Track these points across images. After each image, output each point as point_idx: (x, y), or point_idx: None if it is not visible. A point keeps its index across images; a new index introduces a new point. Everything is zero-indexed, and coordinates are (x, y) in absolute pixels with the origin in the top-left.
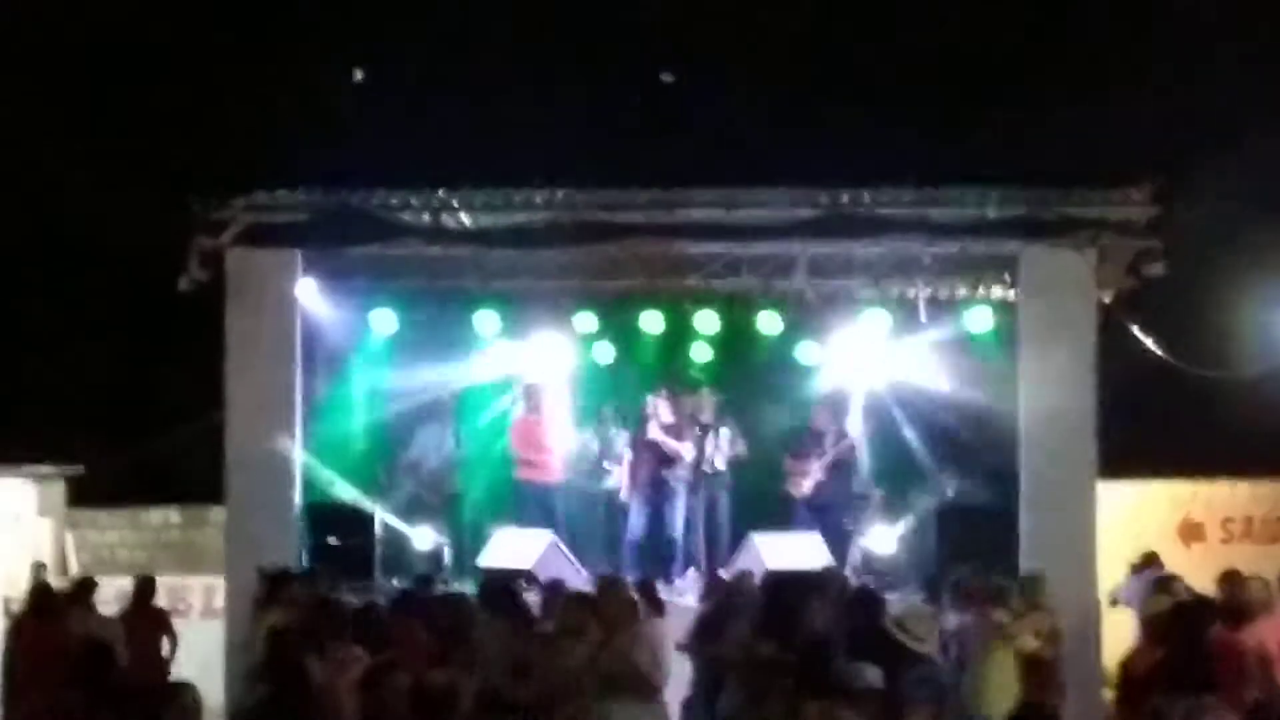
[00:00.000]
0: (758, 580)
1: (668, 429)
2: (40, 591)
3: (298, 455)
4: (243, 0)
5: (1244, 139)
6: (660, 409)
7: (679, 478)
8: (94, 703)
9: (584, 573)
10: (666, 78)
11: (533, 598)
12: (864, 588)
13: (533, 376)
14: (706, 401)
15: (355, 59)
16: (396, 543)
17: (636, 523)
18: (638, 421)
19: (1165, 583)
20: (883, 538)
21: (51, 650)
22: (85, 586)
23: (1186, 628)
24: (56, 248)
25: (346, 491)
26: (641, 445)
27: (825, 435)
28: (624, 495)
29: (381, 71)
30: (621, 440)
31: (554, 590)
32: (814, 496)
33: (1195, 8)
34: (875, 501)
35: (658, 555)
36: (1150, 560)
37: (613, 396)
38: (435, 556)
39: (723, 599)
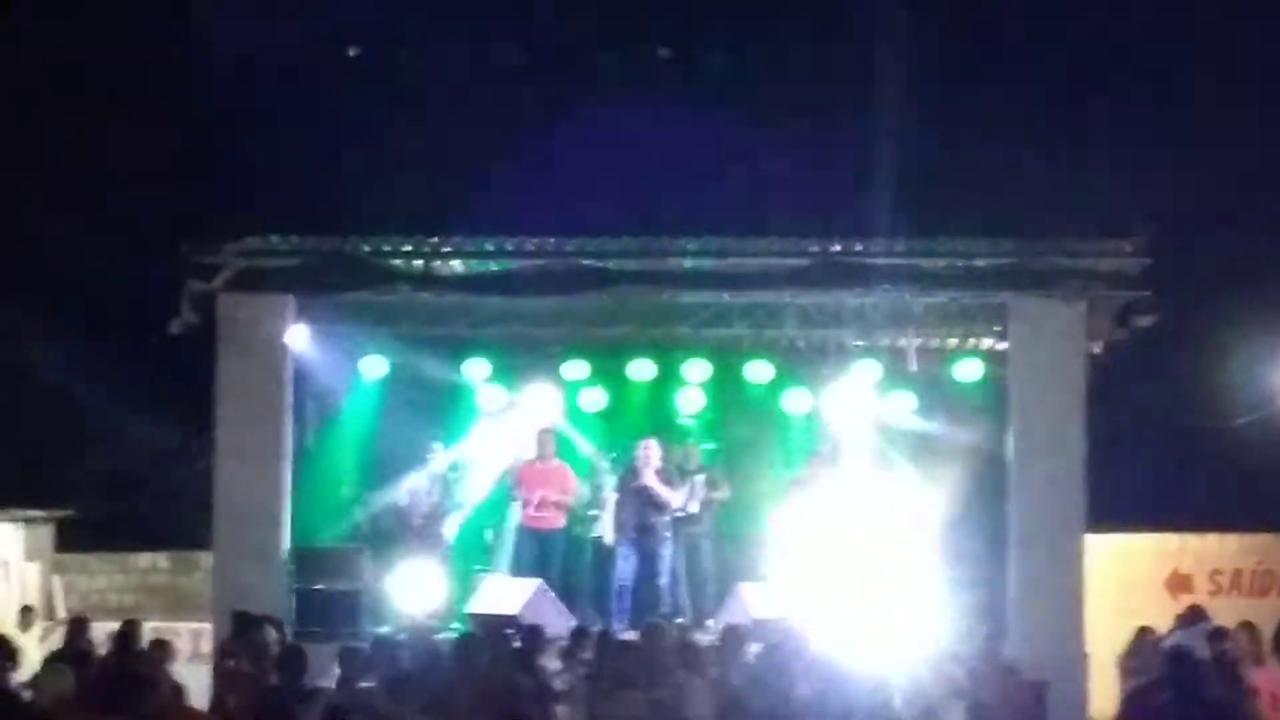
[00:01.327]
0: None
1: (659, 475)
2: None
3: (286, 500)
4: (237, 46)
5: (1233, 191)
6: (652, 455)
7: (667, 524)
8: None
9: (571, 619)
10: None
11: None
12: None
13: (542, 422)
14: (690, 451)
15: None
16: (383, 589)
17: (624, 569)
18: (627, 468)
19: (1220, 634)
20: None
21: None
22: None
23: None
24: (48, 290)
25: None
26: (630, 491)
27: (819, 482)
28: (610, 542)
29: (374, 116)
30: (610, 487)
31: (534, 636)
32: None
33: (1188, 62)
34: None
35: (645, 602)
36: (1197, 613)
37: (602, 444)
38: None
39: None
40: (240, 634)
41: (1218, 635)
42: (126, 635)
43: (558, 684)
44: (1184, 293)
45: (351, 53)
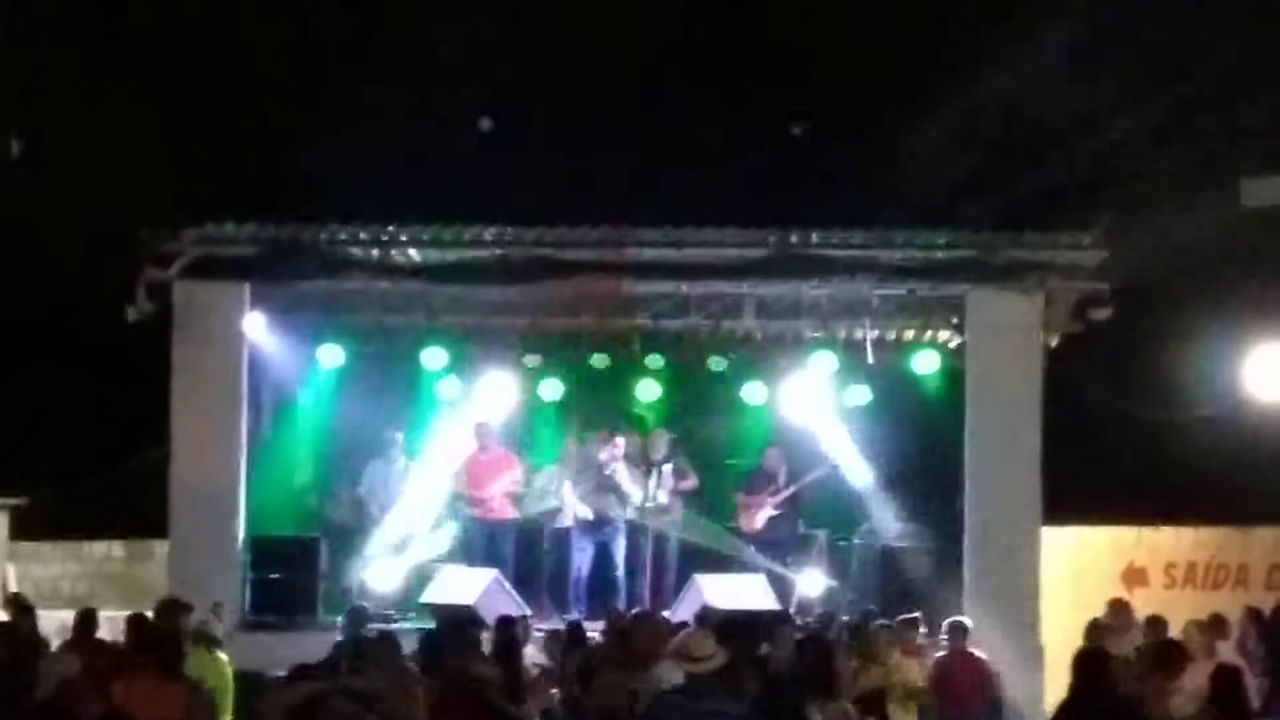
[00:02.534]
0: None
1: (618, 466)
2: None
3: (241, 489)
4: (194, 30)
5: (1189, 184)
6: (612, 446)
7: (620, 515)
8: None
9: (526, 611)
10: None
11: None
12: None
13: (482, 414)
14: (657, 439)
15: (302, 90)
16: (341, 578)
17: (581, 560)
18: (585, 458)
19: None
20: (823, 580)
21: None
22: None
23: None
24: (3, 275)
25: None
26: (589, 482)
27: (777, 474)
28: (568, 531)
29: (332, 105)
30: (566, 478)
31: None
32: (764, 533)
33: (1151, 55)
34: (820, 543)
35: (602, 593)
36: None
37: (559, 434)
38: (382, 595)
39: None
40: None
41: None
42: (86, 622)
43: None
44: (1140, 285)
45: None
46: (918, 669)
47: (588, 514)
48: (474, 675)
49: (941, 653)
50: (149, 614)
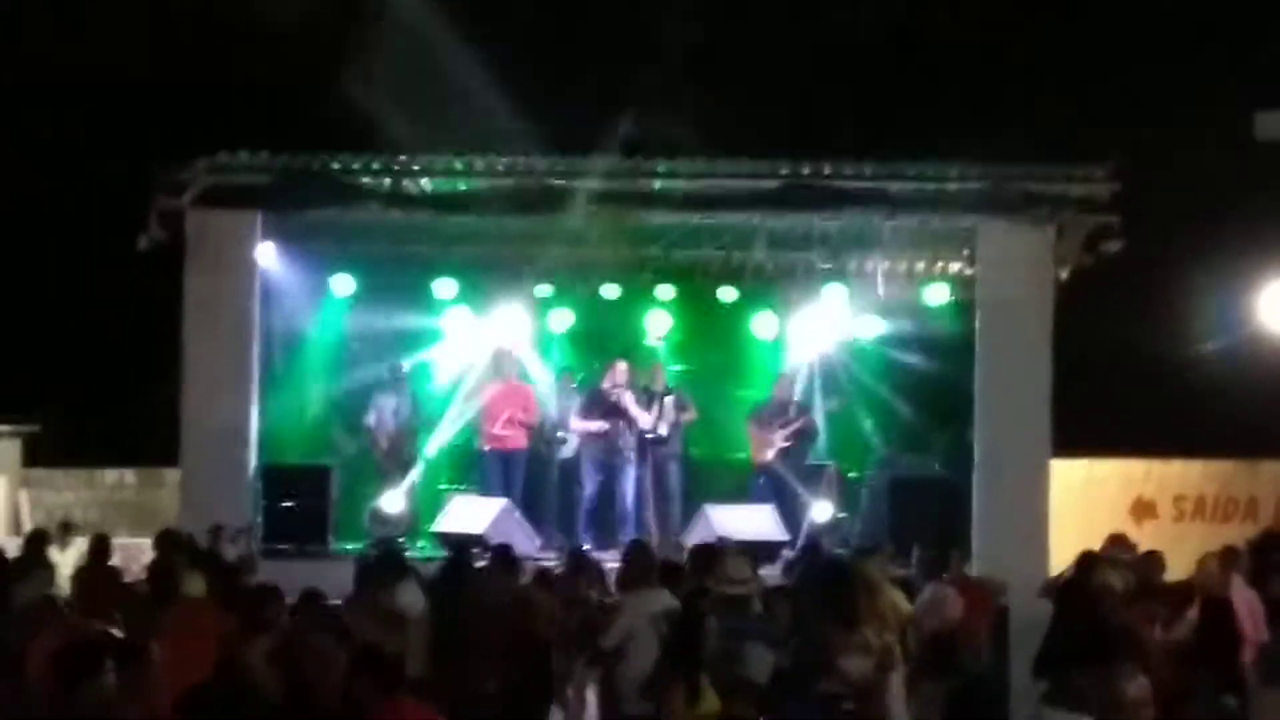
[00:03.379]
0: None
1: (625, 395)
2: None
3: (253, 417)
4: None
5: (1204, 118)
6: (619, 376)
7: (628, 445)
8: None
9: (537, 539)
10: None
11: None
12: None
13: (493, 344)
14: (656, 371)
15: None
16: (351, 506)
17: (590, 490)
18: (595, 388)
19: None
20: (834, 510)
21: None
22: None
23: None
24: (16, 205)
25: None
26: (597, 413)
27: (788, 405)
28: (576, 461)
29: (346, 35)
30: (577, 408)
31: (503, 555)
32: (774, 464)
33: None
34: (830, 474)
35: (610, 523)
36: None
37: (570, 364)
38: (402, 521)
39: None
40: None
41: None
42: (101, 548)
43: None
44: (1152, 219)
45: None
46: (901, 598)
47: (595, 444)
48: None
49: (934, 583)
50: None
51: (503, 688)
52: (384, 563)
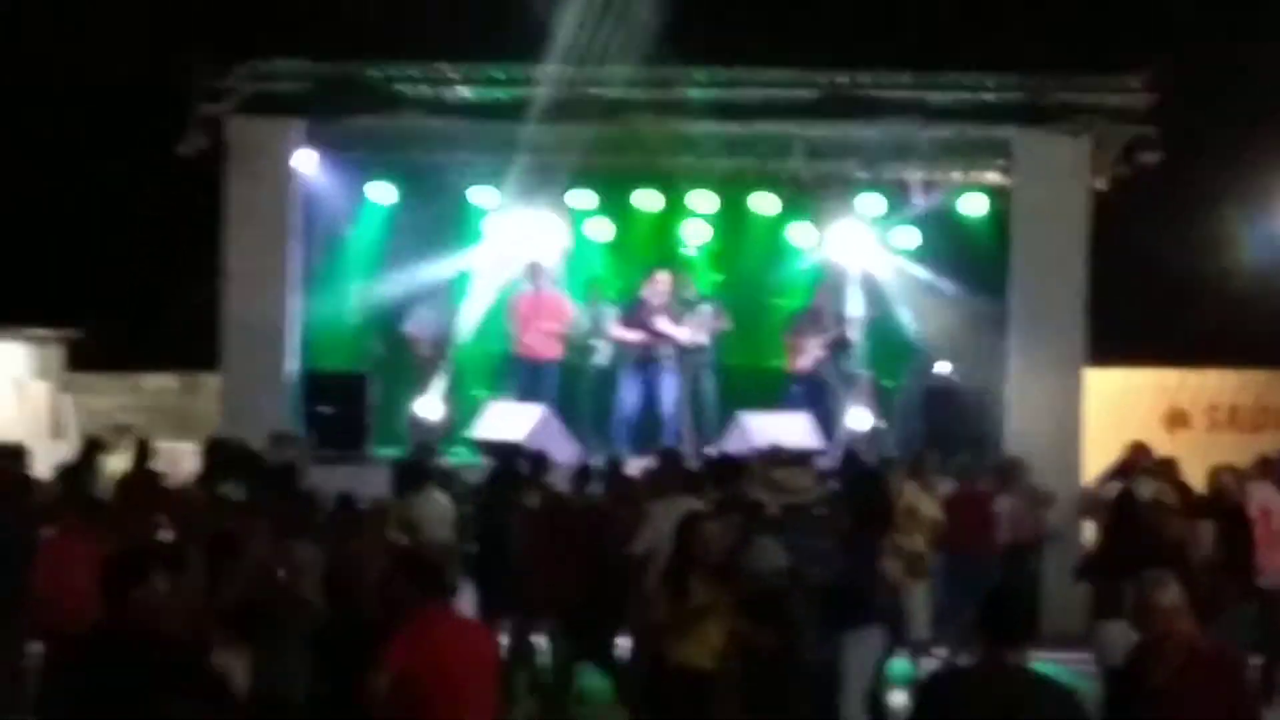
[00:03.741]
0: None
1: (663, 306)
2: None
3: (293, 324)
4: None
5: (1241, 30)
6: (658, 286)
7: (665, 354)
8: None
9: (576, 446)
10: None
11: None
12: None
13: (530, 253)
14: (686, 280)
15: None
16: (389, 412)
17: (627, 399)
18: (632, 298)
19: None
20: (869, 419)
21: None
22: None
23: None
24: (58, 112)
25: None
26: (635, 322)
27: (824, 315)
28: (613, 370)
29: None
30: (614, 317)
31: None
32: (812, 373)
33: None
34: (866, 383)
35: (647, 431)
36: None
37: (607, 274)
38: (439, 427)
39: None
40: None
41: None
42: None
43: None
44: (1189, 129)
45: None
46: (929, 501)
47: (626, 357)
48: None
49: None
50: None
51: (587, 599)
52: (402, 472)
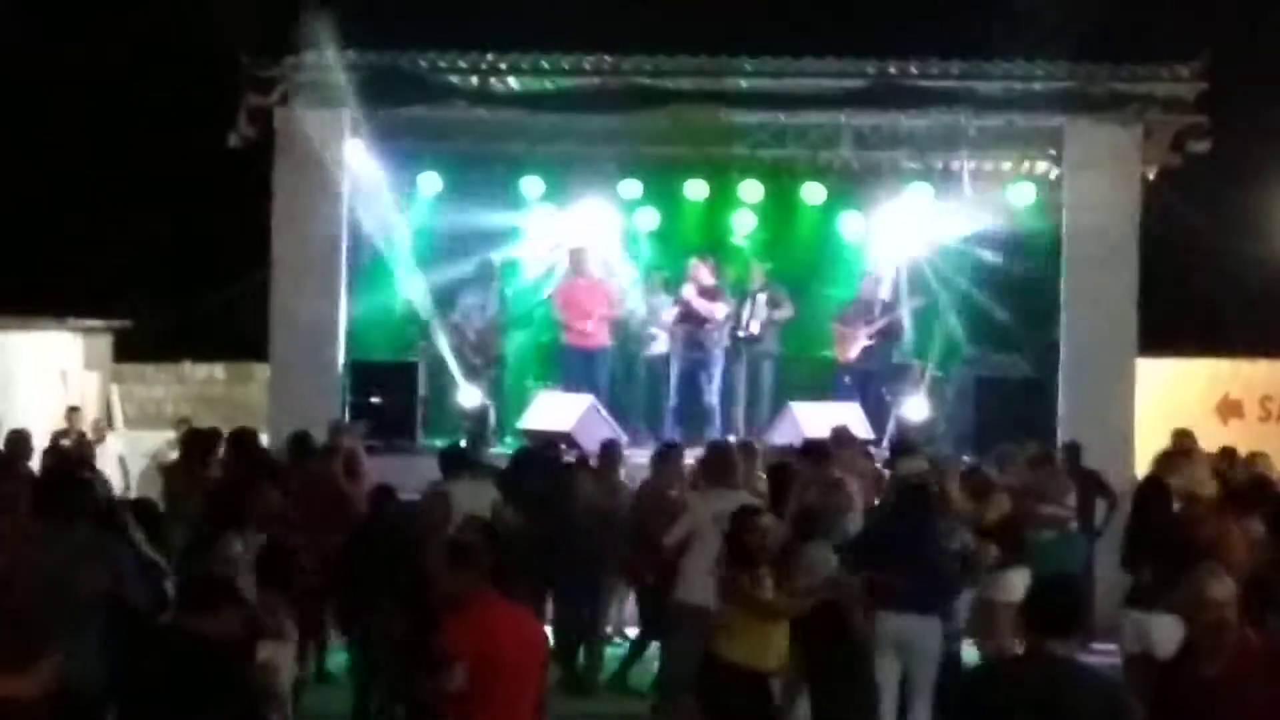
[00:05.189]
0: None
1: (704, 292)
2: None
3: (341, 314)
4: None
5: None
6: (699, 272)
7: (715, 342)
8: None
9: (623, 436)
10: None
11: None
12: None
13: (578, 241)
14: (753, 269)
15: None
16: (438, 402)
17: (675, 386)
18: (679, 286)
19: None
20: (920, 408)
21: None
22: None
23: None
24: (108, 102)
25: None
26: (679, 309)
27: (873, 304)
28: (663, 358)
29: None
30: (663, 305)
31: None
32: (859, 363)
33: None
34: (916, 373)
35: (696, 419)
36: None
37: (656, 263)
38: (481, 416)
39: None
40: None
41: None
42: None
43: None
44: (1240, 118)
45: None
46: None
47: (681, 341)
48: None
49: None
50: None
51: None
52: (444, 461)
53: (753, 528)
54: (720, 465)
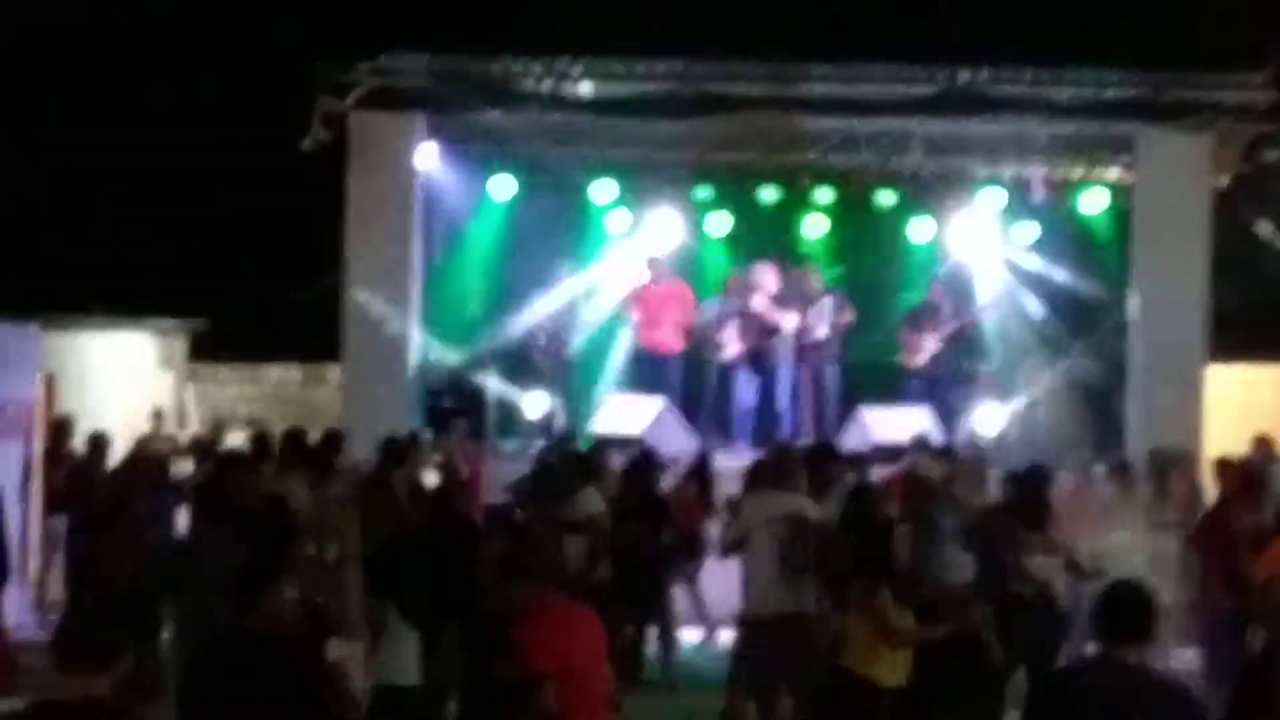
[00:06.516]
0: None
1: (772, 298)
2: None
3: (414, 317)
4: None
5: None
6: (765, 278)
7: (786, 347)
8: None
9: (696, 439)
10: None
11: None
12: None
13: (653, 247)
14: (812, 273)
15: None
16: (510, 406)
17: (745, 392)
18: (743, 291)
19: None
20: (991, 415)
21: None
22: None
23: None
24: (185, 103)
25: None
26: (747, 315)
27: (941, 309)
28: (733, 364)
29: None
30: (728, 311)
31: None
32: (928, 369)
33: None
34: (985, 379)
35: (766, 425)
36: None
37: (727, 268)
38: (548, 421)
39: None
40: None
41: None
42: (262, 441)
43: None
44: None
45: None
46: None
47: (742, 350)
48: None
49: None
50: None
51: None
52: (567, 469)
53: (887, 542)
54: (774, 468)
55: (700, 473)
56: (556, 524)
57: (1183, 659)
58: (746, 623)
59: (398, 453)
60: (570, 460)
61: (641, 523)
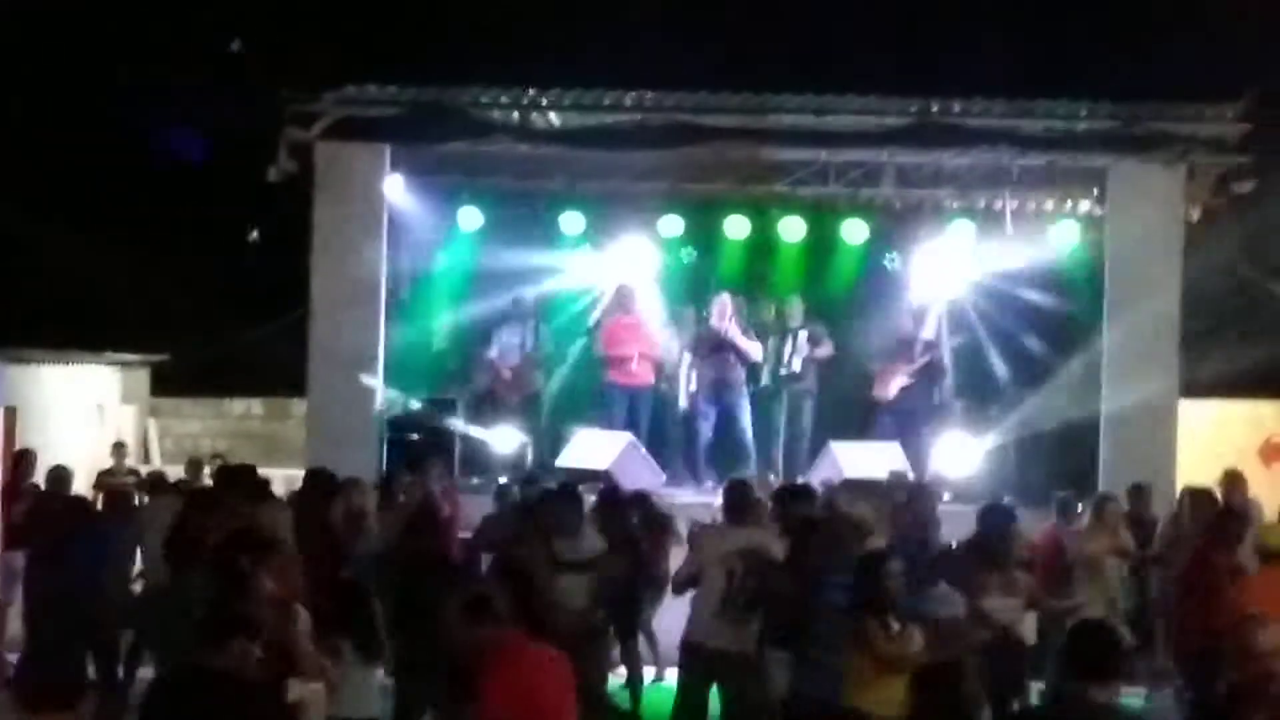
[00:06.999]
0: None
1: (741, 329)
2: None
3: (380, 350)
4: None
5: None
6: (726, 308)
7: (743, 379)
8: None
9: (662, 475)
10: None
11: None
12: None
13: (624, 278)
14: (793, 306)
15: None
16: (476, 441)
17: (705, 427)
18: (704, 323)
19: None
20: (963, 449)
21: None
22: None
23: None
24: (147, 136)
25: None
26: (708, 346)
27: (913, 343)
28: (686, 398)
29: None
30: (685, 345)
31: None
32: (898, 402)
33: None
34: (957, 413)
35: (730, 458)
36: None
37: (696, 300)
38: (518, 458)
39: None
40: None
41: None
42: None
43: None
44: None
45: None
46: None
47: (702, 384)
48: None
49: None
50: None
51: None
52: (564, 506)
53: (885, 573)
54: (734, 503)
55: (647, 511)
56: (556, 563)
57: (1159, 697)
58: (687, 646)
59: (326, 484)
60: (566, 497)
61: (621, 559)
